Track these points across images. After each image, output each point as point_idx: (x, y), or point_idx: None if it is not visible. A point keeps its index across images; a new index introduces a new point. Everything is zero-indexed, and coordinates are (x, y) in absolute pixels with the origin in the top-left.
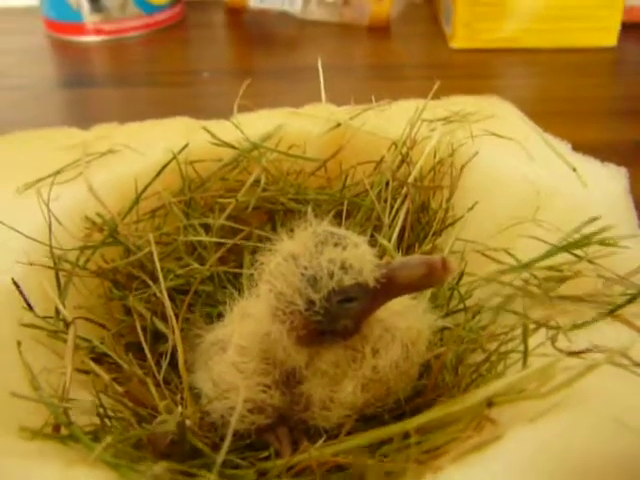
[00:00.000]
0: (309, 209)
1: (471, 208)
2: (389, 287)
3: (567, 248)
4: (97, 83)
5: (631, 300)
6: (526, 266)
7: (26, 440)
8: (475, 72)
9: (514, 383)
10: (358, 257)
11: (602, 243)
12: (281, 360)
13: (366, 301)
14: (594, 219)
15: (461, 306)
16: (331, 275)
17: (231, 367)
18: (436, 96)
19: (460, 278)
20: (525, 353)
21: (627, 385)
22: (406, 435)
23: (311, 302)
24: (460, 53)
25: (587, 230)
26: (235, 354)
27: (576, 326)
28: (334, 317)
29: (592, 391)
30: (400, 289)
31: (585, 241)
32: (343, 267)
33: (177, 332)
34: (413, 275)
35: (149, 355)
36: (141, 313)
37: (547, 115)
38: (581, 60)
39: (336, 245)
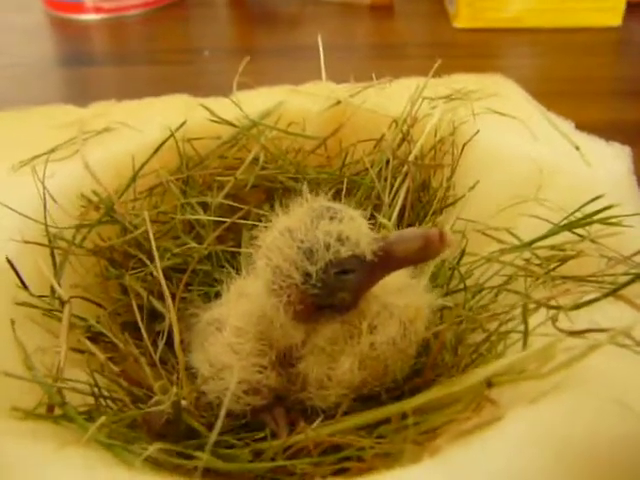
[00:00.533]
0: (304, 186)
1: (472, 187)
2: (386, 260)
3: (569, 227)
4: (96, 61)
5: (634, 280)
6: (528, 245)
7: (19, 420)
8: (478, 52)
9: (514, 363)
10: (355, 229)
11: (604, 222)
12: (277, 339)
13: (363, 273)
14: (597, 198)
15: (461, 286)
16: (327, 247)
17: (227, 348)
18: (438, 75)
19: (461, 257)
20: (525, 333)
21: (630, 365)
22: (404, 415)
23: (307, 275)
24: (463, 32)
25: (590, 209)
26: (231, 335)
27: (578, 306)
28: (331, 289)
29: (594, 372)
30: (398, 262)
31: (587, 220)
32: (340, 239)
33: (173, 312)
34: (410, 248)
35: (145, 335)
36: (138, 292)
37: (551, 95)
38: (585, 40)
39: (332, 218)
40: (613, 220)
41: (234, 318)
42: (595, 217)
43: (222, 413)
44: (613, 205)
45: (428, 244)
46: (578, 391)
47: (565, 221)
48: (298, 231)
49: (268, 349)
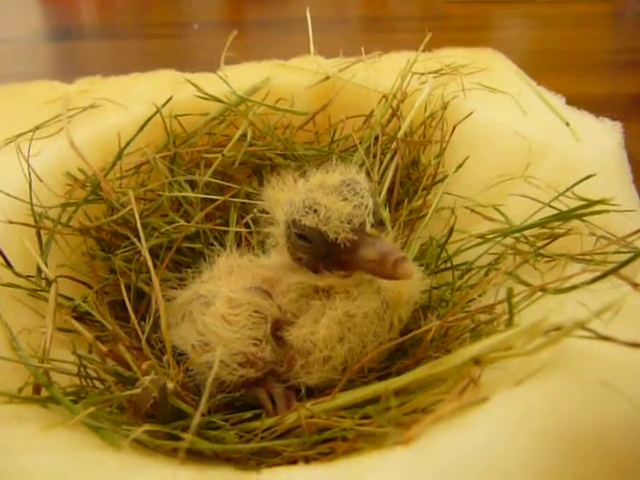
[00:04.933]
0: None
1: (461, 165)
2: (352, 254)
3: (561, 217)
4: (86, 35)
5: (634, 258)
6: (518, 231)
7: (4, 404)
8: (470, 24)
9: (500, 342)
10: (344, 211)
11: (598, 212)
12: (271, 311)
13: (323, 249)
14: (587, 177)
15: (450, 264)
16: (302, 209)
17: (219, 319)
18: (430, 49)
19: (450, 235)
20: (510, 313)
21: (616, 347)
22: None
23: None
24: (455, 4)
25: (579, 189)
26: (224, 306)
27: (568, 289)
28: (293, 245)
29: (581, 353)
30: (359, 263)
31: (580, 212)
32: (318, 210)
33: (159, 293)
34: (367, 256)
35: (133, 316)
36: (125, 272)
37: (543, 68)
38: (579, 11)
39: (351, 192)
40: (598, 196)
41: (227, 289)
42: (588, 209)
43: (205, 393)
44: (607, 199)
45: (382, 262)
46: (564, 373)
47: (555, 201)
48: (312, 190)
49: (262, 322)
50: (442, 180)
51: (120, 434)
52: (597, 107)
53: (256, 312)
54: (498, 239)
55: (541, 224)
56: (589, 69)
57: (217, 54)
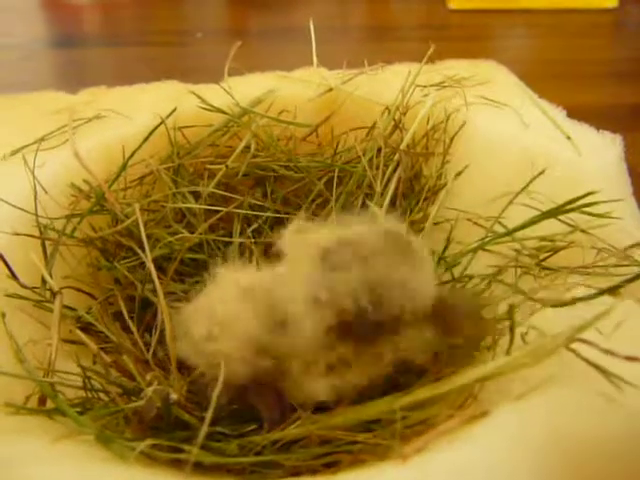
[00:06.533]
0: None
1: (459, 174)
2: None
3: (553, 214)
4: (89, 43)
5: (636, 278)
6: (512, 233)
7: (10, 415)
8: (473, 33)
9: (504, 366)
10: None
11: (589, 213)
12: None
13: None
14: (590, 193)
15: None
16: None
17: (231, 309)
18: (433, 58)
19: (447, 246)
20: (512, 331)
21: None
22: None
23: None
24: (458, 14)
25: (579, 202)
26: (237, 300)
27: (569, 301)
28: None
29: (582, 365)
30: None
31: (570, 206)
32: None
33: (164, 303)
34: None
35: (135, 329)
36: (129, 282)
37: (545, 78)
38: (581, 21)
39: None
40: (597, 210)
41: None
42: (578, 203)
43: (215, 393)
44: (595, 191)
45: None
46: (564, 385)
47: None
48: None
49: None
50: (443, 189)
51: (126, 446)
52: (598, 117)
53: (269, 301)
54: (497, 249)
55: (533, 224)
56: (590, 79)
57: (220, 62)
